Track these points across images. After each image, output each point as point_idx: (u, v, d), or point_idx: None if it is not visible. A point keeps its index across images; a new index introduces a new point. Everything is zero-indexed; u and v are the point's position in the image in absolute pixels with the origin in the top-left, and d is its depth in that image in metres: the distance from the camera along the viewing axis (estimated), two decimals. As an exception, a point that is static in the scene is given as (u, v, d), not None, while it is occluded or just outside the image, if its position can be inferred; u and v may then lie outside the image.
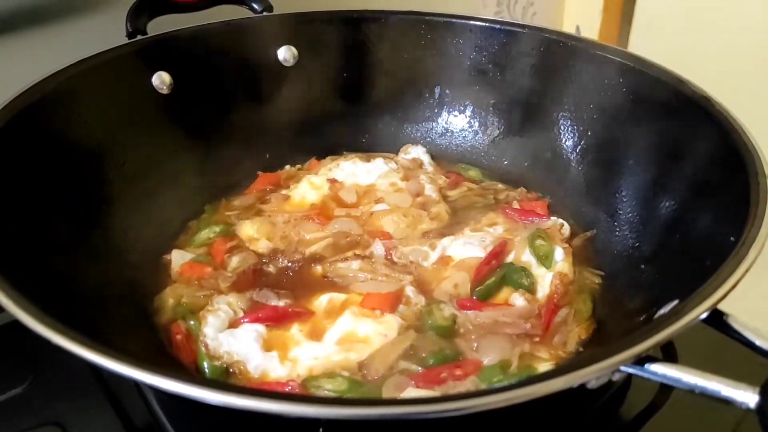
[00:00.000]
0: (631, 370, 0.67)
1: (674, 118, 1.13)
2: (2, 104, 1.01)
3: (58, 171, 1.06)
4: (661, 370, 0.66)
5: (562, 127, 1.36)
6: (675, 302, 0.80)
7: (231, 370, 0.99)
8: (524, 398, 0.61)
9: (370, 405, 0.62)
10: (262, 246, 1.24)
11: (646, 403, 1.03)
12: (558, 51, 1.35)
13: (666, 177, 1.13)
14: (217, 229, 1.27)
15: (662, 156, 1.15)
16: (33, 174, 1.01)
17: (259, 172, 1.44)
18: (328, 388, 0.95)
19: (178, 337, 1.04)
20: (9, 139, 0.98)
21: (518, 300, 1.09)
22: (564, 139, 1.36)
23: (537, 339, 1.03)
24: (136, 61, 1.27)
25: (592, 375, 0.64)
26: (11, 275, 0.76)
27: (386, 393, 0.93)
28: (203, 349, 1.00)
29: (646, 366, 0.67)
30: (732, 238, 0.82)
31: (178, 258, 1.20)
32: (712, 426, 0.99)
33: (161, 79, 1.29)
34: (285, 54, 1.45)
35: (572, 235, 1.26)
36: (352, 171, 1.41)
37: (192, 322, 1.05)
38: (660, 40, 2.00)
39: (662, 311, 0.81)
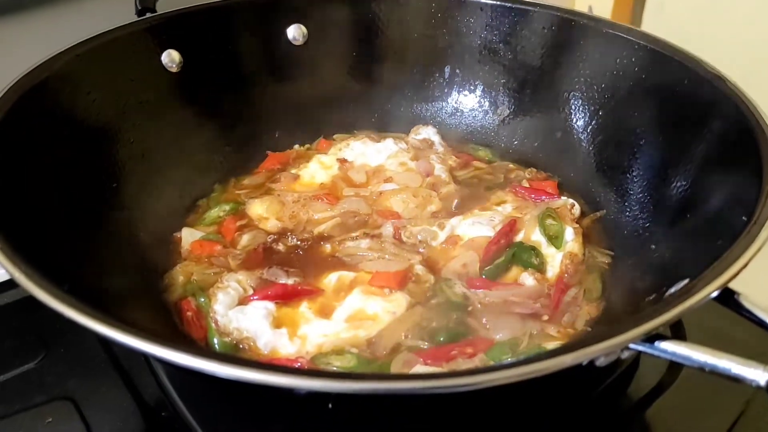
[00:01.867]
0: (641, 348, 0.67)
1: (687, 98, 1.12)
2: (11, 83, 1.01)
3: (67, 150, 1.06)
4: (671, 347, 0.66)
5: (573, 107, 1.35)
6: (685, 281, 0.79)
7: (241, 347, 1.00)
8: (534, 374, 0.61)
9: (379, 379, 0.63)
10: (272, 225, 1.25)
11: (654, 383, 1.04)
12: (570, 30, 1.34)
13: (678, 157, 1.11)
14: (227, 207, 1.28)
15: (674, 136, 1.14)
16: (43, 153, 1.01)
17: (269, 152, 1.44)
18: (337, 365, 0.96)
19: (189, 313, 1.05)
20: (18, 118, 0.98)
21: (528, 279, 1.09)
22: (575, 119, 1.35)
23: (546, 318, 1.03)
24: (146, 40, 1.27)
25: (601, 352, 0.64)
26: (24, 252, 0.76)
27: (395, 370, 0.94)
28: (213, 325, 1.01)
29: (656, 344, 0.66)
30: (744, 218, 0.81)
31: (188, 236, 1.20)
32: (721, 406, 0.99)
33: (171, 58, 1.29)
34: (294, 33, 1.44)
35: (582, 214, 1.25)
36: (362, 151, 1.41)
37: (202, 299, 1.06)
38: (673, 20, 1.98)
39: (672, 290, 0.81)
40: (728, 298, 0.73)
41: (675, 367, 1.03)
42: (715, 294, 0.69)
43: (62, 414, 1.01)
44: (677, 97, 1.15)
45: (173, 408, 1.00)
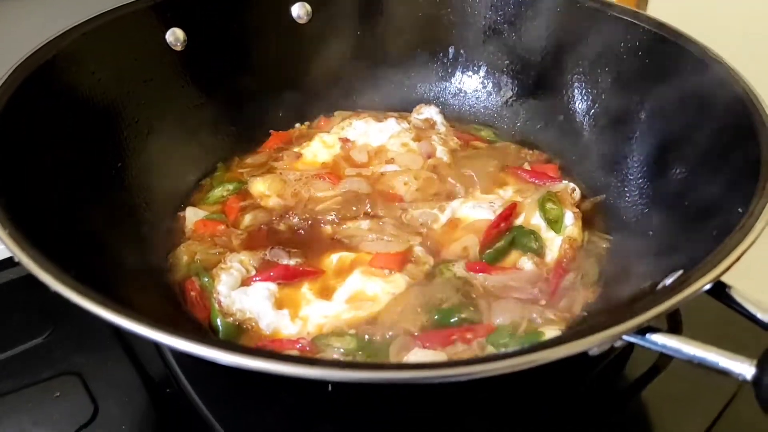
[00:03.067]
0: (632, 340, 0.68)
1: (689, 84, 1.12)
2: (18, 62, 1.02)
3: (73, 128, 1.07)
4: (661, 340, 0.68)
5: (575, 90, 1.35)
6: (679, 272, 0.81)
7: (244, 327, 1.02)
8: (528, 365, 0.63)
9: (376, 369, 0.65)
10: (273, 202, 1.25)
11: (648, 367, 1.06)
12: (574, 12, 1.33)
13: (678, 143, 1.12)
14: (231, 187, 1.29)
15: (675, 121, 1.14)
16: (48, 132, 1.02)
17: (272, 131, 1.45)
18: (337, 346, 0.97)
19: (192, 293, 1.06)
20: (24, 97, 0.98)
21: (527, 264, 1.10)
22: (577, 102, 1.35)
23: (544, 303, 1.04)
24: (150, 18, 1.26)
25: (594, 344, 0.65)
26: (31, 235, 0.77)
27: (393, 352, 0.96)
28: (217, 306, 1.03)
29: (647, 336, 0.68)
30: (740, 209, 0.82)
31: (191, 215, 1.22)
32: (713, 390, 1.01)
33: (175, 36, 1.29)
34: (299, 11, 1.44)
35: (582, 198, 1.26)
36: (364, 130, 1.41)
37: (206, 279, 1.07)
38: (679, 4, 1.96)
39: (667, 281, 0.82)
40: (720, 291, 0.75)
41: (669, 351, 1.05)
42: (707, 287, 0.71)
43: (69, 388, 1.03)
44: (679, 83, 1.14)
45: (178, 385, 1.02)
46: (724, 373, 0.65)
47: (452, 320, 1.01)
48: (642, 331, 0.68)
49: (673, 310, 0.68)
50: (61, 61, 1.08)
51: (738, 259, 0.73)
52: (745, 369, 0.63)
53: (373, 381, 0.62)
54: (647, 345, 0.68)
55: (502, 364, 0.63)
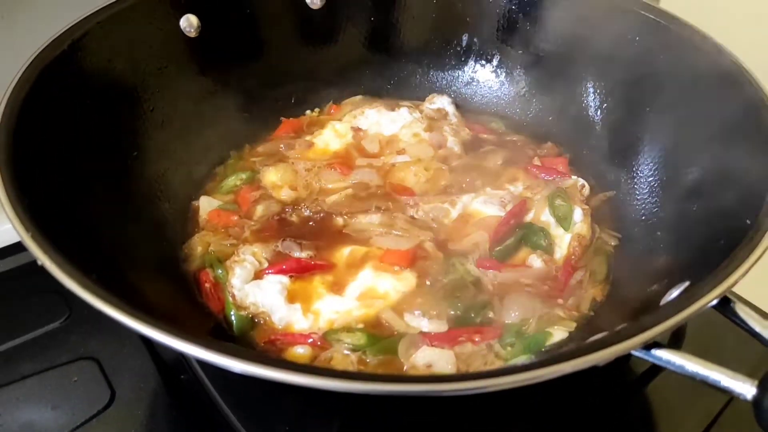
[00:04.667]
0: (638, 354, 0.70)
1: (703, 84, 1.11)
2: (35, 53, 1.02)
3: (90, 119, 1.08)
4: (665, 356, 0.70)
5: (589, 84, 1.35)
6: (686, 284, 0.82)
7: (256, 321, 1.04)
8: (537, 380, 0.65)
9: (386, 381, 0.66)
10: (285, 194, 1.26)
11: (650, 364, 1.07)
12: (590, 5, 1.31)
13: (690, 143, 1.12)
14: (244, 176, 1.30)
15: (688, 121, 1.13)
16: (66, 125, 1.03)
17: (283, 118, 1.45)
18: (347, 342, 0.99)
19: (207, 285, 1.08)
20: (42, 90, 0.99)
21: (536, 261, 1.11)
22: (590, 96, 1.35)
23: (560, 302, 1.06)
24: (164, 4, 1.26)
25: (601, 359, 0.67)
26: (51, 231, 0.78)
27: (402, 349, 0.98)
28: (230, 299, 1.05)
29: (652, 351, 0.70)
30: (748, 221, 0.82)
31: (205, 205, 1.23)
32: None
33: (189, 22, 1.29)
34: (313, -5, 1.43)
35: (592, 194, 1.26)
36: (376, 119, 1.42)
37: (220, 271, 1.09)
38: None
39: (673, 293, 0.83)
40: (724, 305, 0.76)
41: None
42: (713, 303, 0.72)
43: (87, 373, 1.06)
44: (693, 82, 1.13)
45: (191, 371, 1.05)
46: (725, 392, 0.67)
47: (473, 319, 1.02)
48: (647, 346, 0.70)
49: (679, 326, 0.70)
50: (76, 51, 1.08)
51: (744, 274, 0.74)
52: (746, 389, 0.65)
53: (375, 393, 0.65)
54: (652, 360, 0.70)
55: (513, 378, 0.65)
